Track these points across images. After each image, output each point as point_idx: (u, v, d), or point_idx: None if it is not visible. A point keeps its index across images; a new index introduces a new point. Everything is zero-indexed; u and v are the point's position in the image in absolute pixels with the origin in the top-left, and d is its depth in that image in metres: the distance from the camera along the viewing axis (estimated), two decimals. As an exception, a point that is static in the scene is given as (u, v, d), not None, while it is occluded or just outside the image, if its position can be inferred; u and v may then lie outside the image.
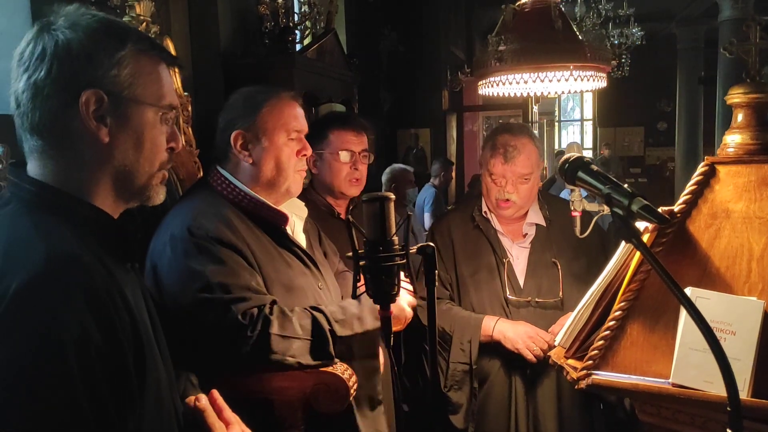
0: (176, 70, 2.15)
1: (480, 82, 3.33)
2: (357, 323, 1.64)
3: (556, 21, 3.00)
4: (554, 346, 1.63)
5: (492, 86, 3.20)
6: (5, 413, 0.83)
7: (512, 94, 3.38)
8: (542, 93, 3.44)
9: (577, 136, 15.20)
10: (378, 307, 1.31)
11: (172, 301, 1.54)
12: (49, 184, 1.00)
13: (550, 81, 3.04)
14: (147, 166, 1.07)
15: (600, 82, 3.19)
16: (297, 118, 1.73)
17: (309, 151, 1.77)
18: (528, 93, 3.43)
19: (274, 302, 1.58)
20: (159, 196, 1.12)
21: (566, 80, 3.02)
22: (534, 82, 3.09)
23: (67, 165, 1.01)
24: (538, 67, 2.99)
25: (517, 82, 3.13)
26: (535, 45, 2.99)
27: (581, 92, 4.21)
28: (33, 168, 1.01)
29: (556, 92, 3.48)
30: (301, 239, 1.85)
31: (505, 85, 3.15)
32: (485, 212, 2.34)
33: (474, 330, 2.17)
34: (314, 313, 1.61)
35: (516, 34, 3.04)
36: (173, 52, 2.16)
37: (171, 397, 1.14)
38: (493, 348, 2.16)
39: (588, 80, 3.11)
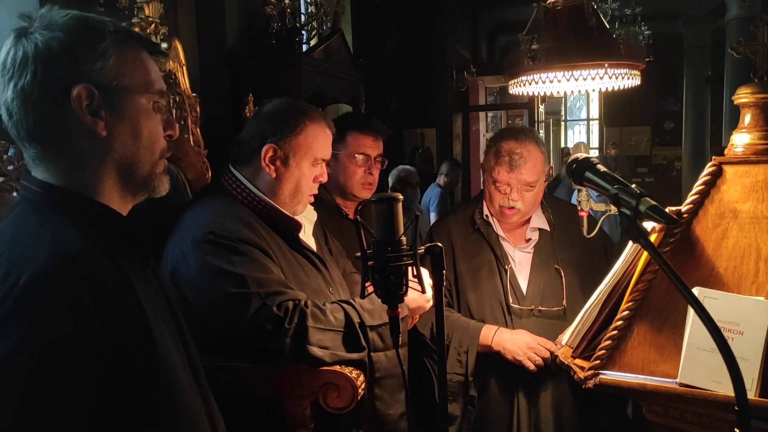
0: (184, 68, 2.17)
1: (511, 82, 3.22)
2: (385, 313, 1.65)
3: (590, 18, 2.91)
4: (556, 354, 1.63)
5: (524, 85, 3.10)
6: (13, 407, 0.83)
7: (544, 93, 3.31)
8: (572, 91, 3.35)
9: (584, 135, 15.16)
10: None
11: (202, 302, 1.55)
12: (55, 184, 1.01)
13: (584, 79, 2.96)
14: (148, 155, 1.06)
15: (634, 79, 3.08)
16: (327, 147, 1.78)
17: (325, 178, 1.80)
18: (559, 92, 3.35)
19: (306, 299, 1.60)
20: (164, 185, 1.11)
21: (600, 78, 2.93)
22: (568, 80, 3.00)
23: (70, 165, 1.01)
24: (572, 66, 2.90)
25: (551, 81, 3.04)
26: (569, 43, 2.90)
27: (587, 92, 4.16)
28: (38, 174, 1.02)
29: (589, 90, 3.40)
30: (311, 243, 1.87)
31: (537, 84, 3.05)
32: (486, 215, 2.24)
33: (472, 339, 2.09)
34: (344, 306, 1.63)
35: (548, 32, 2.96)
36: (181, 53, 2.17)
37: (199, 398, 1.13)
38: (492, 356, 2.09)
39: (622, 78, 3.03)
